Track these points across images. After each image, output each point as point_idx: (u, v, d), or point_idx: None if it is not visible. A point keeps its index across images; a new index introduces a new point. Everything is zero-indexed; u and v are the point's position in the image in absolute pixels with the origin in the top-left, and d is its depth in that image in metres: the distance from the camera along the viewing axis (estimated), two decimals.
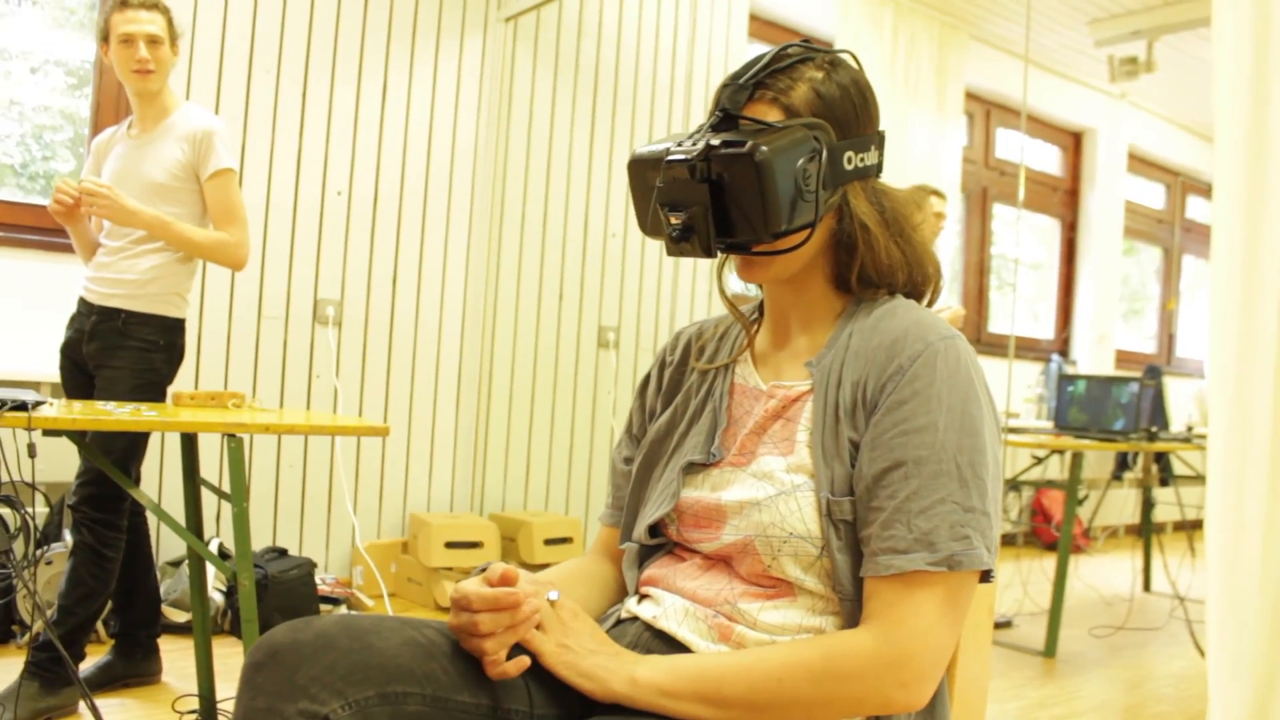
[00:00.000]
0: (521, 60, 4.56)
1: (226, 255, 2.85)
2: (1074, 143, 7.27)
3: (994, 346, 6.54)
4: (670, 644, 1.14)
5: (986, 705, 1.26)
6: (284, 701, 0.95)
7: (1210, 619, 2.42)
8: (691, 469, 1.22)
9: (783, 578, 1.11)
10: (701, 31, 5.10)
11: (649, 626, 1.17)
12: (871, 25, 5.27)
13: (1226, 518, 2.40)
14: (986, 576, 1.08)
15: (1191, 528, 5.62)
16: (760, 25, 5.39)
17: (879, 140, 1.20)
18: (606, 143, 4.82)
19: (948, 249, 6.00)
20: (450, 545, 4.02)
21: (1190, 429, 5.20)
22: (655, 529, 1.25)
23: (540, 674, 1.09)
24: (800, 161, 1.09)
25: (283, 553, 3.70)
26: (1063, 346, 7.27)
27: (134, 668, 2.90)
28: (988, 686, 1.27)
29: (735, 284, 1.26)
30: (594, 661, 1.08)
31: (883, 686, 1.03)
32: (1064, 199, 7.25)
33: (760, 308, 1.30)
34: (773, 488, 1.13)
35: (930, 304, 1.22)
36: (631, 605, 1.22)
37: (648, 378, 1.37)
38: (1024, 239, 7.25)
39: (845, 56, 1.20)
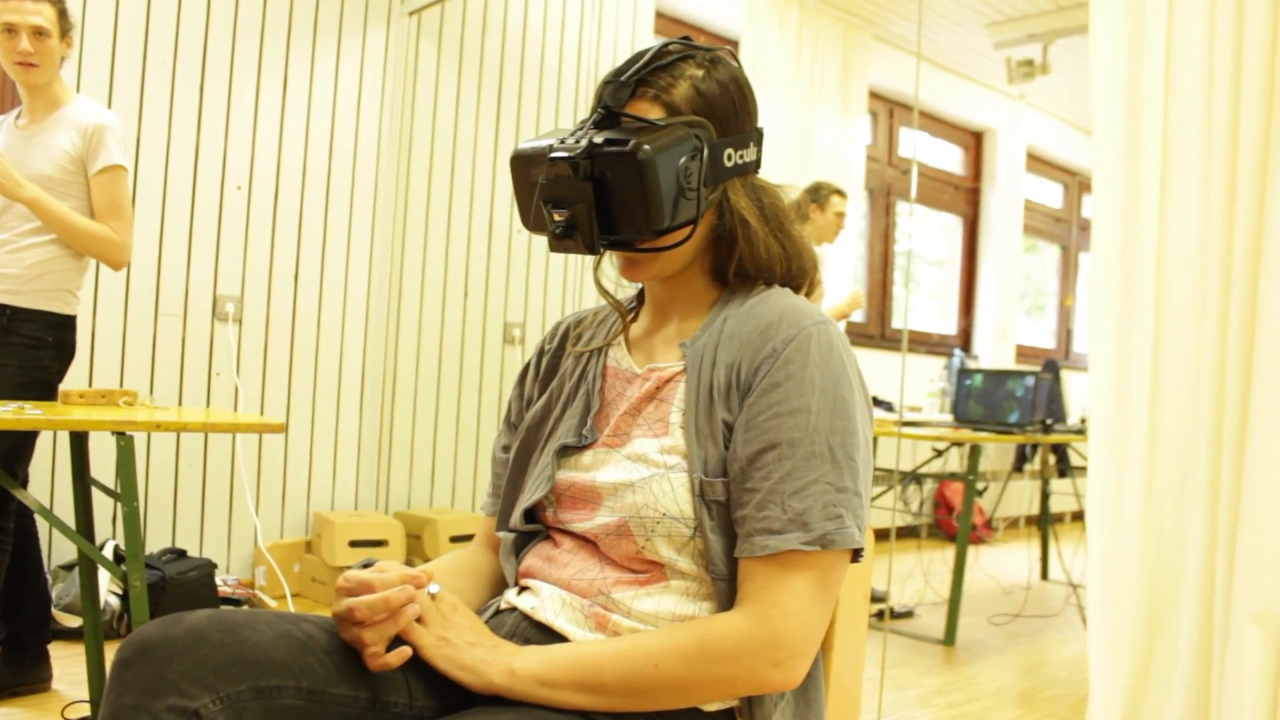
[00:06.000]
0: (425, 55, 4.52)
1: (107, 250, 2.76)
2: (975, 142, 7.44)
3: (895, 341, 6.66)
4: (549, 634, 1.15)
5: (862, 686, 1.30)
6: (153, 698, 0.93)
7: (1091, 604, 2.51)
8: (566, 452, 1.23)
9: (656, 560, 1.13)
10: (607, 28, 5.11)
11: (527, 617, 1.18)
12: (777, 24, 5.33)
13: (1106, 507, 2.48)
14: (857, 556, 1.11)
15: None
16: (666, 23, 5.43)
17: (758, 137, 1.22)
18: (511, 139, 4.81)
19: (851, 246, 6.09)
20: (354, 544, 3.98)
21: (1084, 421, 5.35)
22: (531, 514, 1.25)
23: (419, 667, 1.09)
24: (682, 160, 1.11)
25: (181, 554, 3.62)
26: (965, 341, 7.44)
27: (22, 675, 2.81)
28: (863, 667, 1.30)
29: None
30: (473, 654, 1.08)
31: (757, 667, 1.05)
32: (966, 197, 7.42)
33: (639, 296, 1.32)
34: (646, 469, 1.14)
35: (808, 296, 1.25)
36: (511, 596, 1.23)
37: (527, 367, 1.38)
38: (928, 236, 7.40)
39: (725, 54, 1.22)
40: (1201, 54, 2.33)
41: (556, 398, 1.29)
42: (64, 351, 2.78)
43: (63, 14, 2.73)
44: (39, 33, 2.67)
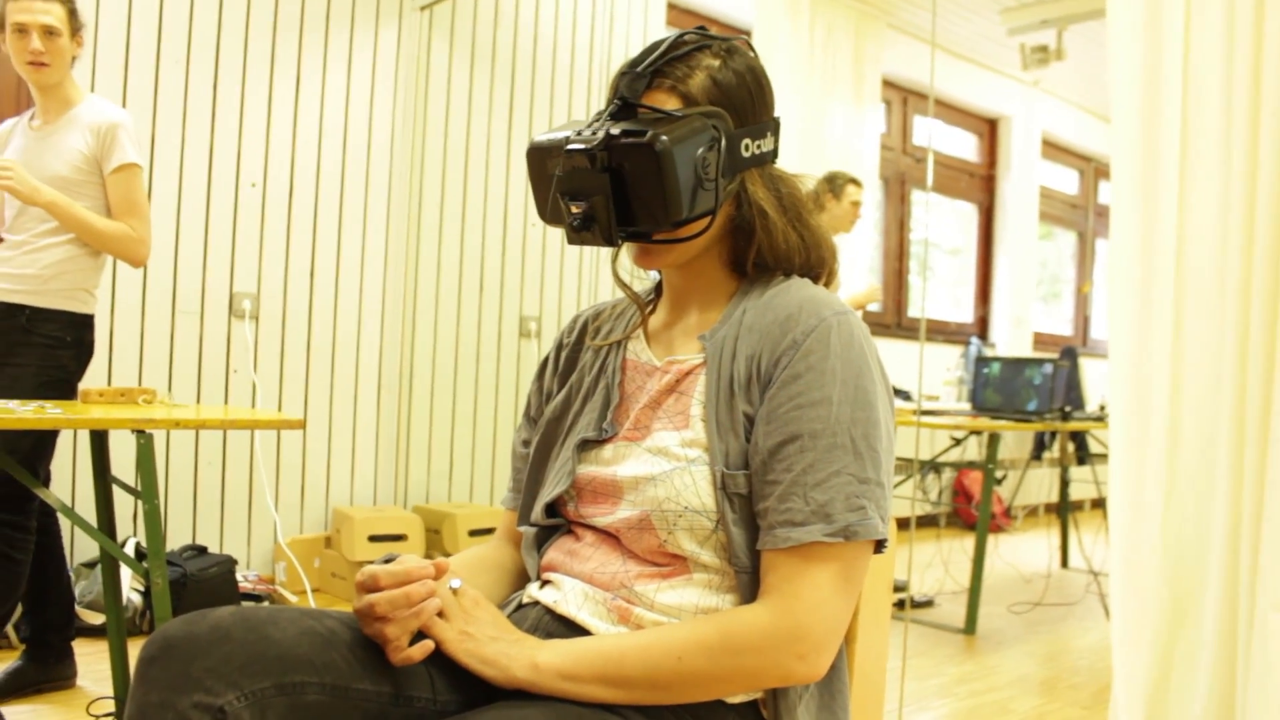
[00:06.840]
0: (438, 49, 4.52)
1: (127, 248, 2.79)
2: (990, 129, 7.40)
3: (912, 330, 6.64)
4: (571, 628, 1.15)
5: (886, 676, 1.29)
6: (178, 695, 0.94)
7: (1113, 593, 2.50)
8: (586, 446, 1.23)
9: (678, 553, 1.12)
10: (620, 20, 5.10)
11: (549, 610, 1.18)
12: (789, 14, 5.30)
13: (1128, 495, 2.47)
14: (881, 547, 1.11)
15: (1107, 505, 5.75)
16: (678, 14, 5.40)
17: (775, 126, 1.21)
18: (524, 132, 4.80)
19: (866, 235, 6.07)
20: (374, 539, 3.99)
21: (1103, 408, 5.32)
22: (552, 508, 1.25)
23: (442, 661, 1.09)
24: (700, 150, 1.10)
25: (202, 550, 3.64)
26: (982, 329, 7.40)
27: (47, 672, 2.83)
28: (886, 657, 1.30)
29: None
30: (496, 648, 1.08)
31: (781, 659, 1.05)
32: (981, 185, 7.38)
33: (658, 288, 1.32)
34: (668, 463, 1.14)
35: (826, 286, 1.24)
36: (533, 590, 1.23)
37: (545, 360, 1.37)
38: (944, 225, 7.37)
39: (740, 44, 1.21)
40: (1220, 36, 2.30)
41: (576, 391, 1.29)
42: (83, 351, 2.80)
43: (73, 13, 2.74)
44: (49, 32, 2.68)
